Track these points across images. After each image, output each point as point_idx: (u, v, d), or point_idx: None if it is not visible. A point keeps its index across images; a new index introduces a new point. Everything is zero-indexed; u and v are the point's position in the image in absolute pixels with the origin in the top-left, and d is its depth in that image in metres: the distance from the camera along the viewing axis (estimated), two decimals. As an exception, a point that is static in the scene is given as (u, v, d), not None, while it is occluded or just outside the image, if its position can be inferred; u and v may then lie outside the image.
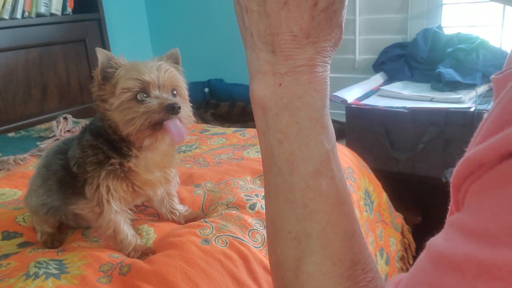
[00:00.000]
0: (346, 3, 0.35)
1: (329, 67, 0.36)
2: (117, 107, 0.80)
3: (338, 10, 0.34)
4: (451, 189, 0.30)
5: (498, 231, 0.22)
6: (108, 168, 0.83)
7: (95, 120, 0.88)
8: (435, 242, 0.26)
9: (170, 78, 0.84)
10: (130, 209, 0.95)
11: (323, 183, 0.35)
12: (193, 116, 0.88)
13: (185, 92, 0.89)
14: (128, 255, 0.87)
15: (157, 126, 0.80)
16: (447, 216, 0.40)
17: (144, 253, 0.86)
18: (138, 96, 0.80)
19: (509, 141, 0.24)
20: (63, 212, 0.94)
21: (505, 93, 0.28)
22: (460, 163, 0.28)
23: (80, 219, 0.96)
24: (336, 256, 0.34)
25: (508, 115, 0.26)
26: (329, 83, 0.36)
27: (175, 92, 0.85)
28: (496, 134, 0.25)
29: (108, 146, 0.84)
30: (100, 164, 0.83)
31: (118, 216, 0.86)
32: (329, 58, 0.36)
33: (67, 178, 0.88)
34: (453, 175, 0.29)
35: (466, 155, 0.28)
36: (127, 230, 0.88)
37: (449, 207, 0.39)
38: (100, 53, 0.82)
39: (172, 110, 0.79)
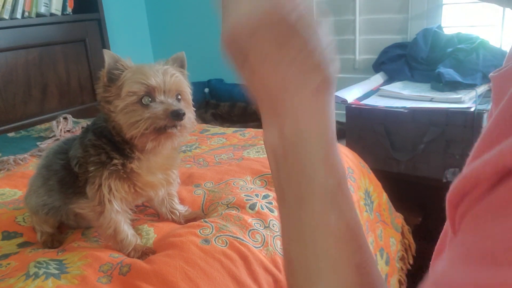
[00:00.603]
0: (325, 40, 0.35)
1: (329, 99, 0.37)
2: (122, 109, 0.80)
3: (311, 52, 0.35)
4: (447, 207, 0.29)
5: (501, 253, 0.22)
6: (111, 168, 0.83)
7: (98, 120, 0.88)
8: (439, 268, 0.26)
9: (176, 83, 0.84)
10: (130, 209, 0.95)
11: (331, 219, 0.36)
12: (195, 121, 0.88)
13: (189, 97, 0.89)
14: (128, 255, 0.87)
15: (161, 130, 0.81)
16: (442, 234, 0.40)
17: (144, 253, 0.86)
18: (143, 100, 0.80)
19: (504, 156, 0.23)
20: (64, 212, 0.94)
21: (502, 105, 0.28)
22: (457, 180, 0.28)
23: (80, 219, 0.96)
24: None
25: (501, 127, 0.26)
26: (332, 116, 0.37)
27: (179, 97, 0.86)
28: (490, 149, 0.25)
29: (111, 147, 0.84)
30: (102, 164, 0.83)
31: (119, 216, 0.86)
32: (326, 92, 0.36)
33: (68, 178, 0.88)
34: (450, 193, 0.28)
35: (463, 172, 0.27)
36: (127, 230, 0.88)
37: (445, 226, 0.39)
38: (107, 55, 0.82)
39: (177, 116, 0.80)
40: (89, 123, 0.95)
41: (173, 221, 1.00)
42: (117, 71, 0.82)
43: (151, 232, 0.93)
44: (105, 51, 0.83)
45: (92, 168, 0.83)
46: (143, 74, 0.81)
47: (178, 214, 0.99)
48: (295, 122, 0.36)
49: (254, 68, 0.36)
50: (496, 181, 0.24)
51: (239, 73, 0.39)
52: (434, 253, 0.41)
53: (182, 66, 0.92)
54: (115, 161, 0.83)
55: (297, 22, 0.34)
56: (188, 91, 0.89)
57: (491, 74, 0.38)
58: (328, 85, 0.36)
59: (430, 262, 0.41)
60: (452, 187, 0.28)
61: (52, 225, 0.97)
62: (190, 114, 0.85)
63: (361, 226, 0.38)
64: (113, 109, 0.82)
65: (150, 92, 0.81)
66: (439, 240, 0.42)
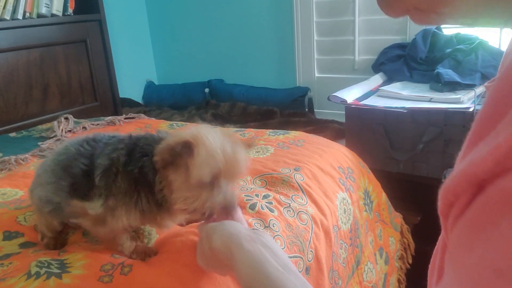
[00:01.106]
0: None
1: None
2: (180, 184, 0.75)
3: None
4: (440, 203, 0.29)
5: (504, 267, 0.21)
6: (134, 203, 0.79)
7: (146, 157, 0.79)
8: None
9: (241, 167, 0.78)
10: None
11: None
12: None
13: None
14: (130, 257, 0.87)
15: (204, 215, 0.78)
16: (439, 243, 0.40)
17: (146, 254, 0.86)
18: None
19: (473, 168, 0.24)
20: (66, 213, 0.91)
21: (483, 107, 0.28)
22: (440, 192, 0.28)
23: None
24: None
25: (472, 136, 0.27)
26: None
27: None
28: (464, 157, 0.25)
29: (150, 196, 0.79)
30: (128, 196, 0.79)
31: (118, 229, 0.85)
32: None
33: (84, 183, 0.83)
34: (439, 204, 0.29)
35: (444, 183, 0.28)
36: (127, 235, 0.88)
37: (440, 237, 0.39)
38: (177, 143, 0.73)
39: (227, 210, 0.76)
40: (93, 124, 0.94)
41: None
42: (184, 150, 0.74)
43: (153, 232, 0.94)
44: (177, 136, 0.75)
45: (118, 194, 0.79)
46: (215, 159, 0.74)
47: None
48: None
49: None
50: (474, 193, 0.24)
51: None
52: (433, 256, 0.42)
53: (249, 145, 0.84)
54: (143, 200, 0.79)
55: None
56: (246, 171, 0.82)
57: (486, 84, 0.39)
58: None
59: (429, 266, 0.41)
60: (439, 200, 0.28)
61: (53, 229, 0.95)
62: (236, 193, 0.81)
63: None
64: (168, 175, 0.76)
65: (214, 179, 0.75)
66: (438, 242, 0.42)
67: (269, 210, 1.01)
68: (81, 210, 0.84)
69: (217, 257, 0.72)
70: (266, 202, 1.03)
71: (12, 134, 1.88)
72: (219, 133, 0.78)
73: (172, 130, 1.68)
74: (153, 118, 2.01)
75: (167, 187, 0.77)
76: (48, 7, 2.06)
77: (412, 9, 0.35)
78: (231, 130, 0.83)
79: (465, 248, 0.24)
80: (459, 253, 0.25)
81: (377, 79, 1.82)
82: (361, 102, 1.58)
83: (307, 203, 1.10)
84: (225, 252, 0.69)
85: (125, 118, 1.88)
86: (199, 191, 0.75)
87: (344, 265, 1.15)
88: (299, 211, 1.06)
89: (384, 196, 1.42)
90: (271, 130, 1.55)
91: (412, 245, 1.48)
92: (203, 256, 0.76)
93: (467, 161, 0.25)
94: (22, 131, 1.91)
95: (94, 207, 0.81)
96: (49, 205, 0.90)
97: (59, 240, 0.96)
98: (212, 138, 0.75)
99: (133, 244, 0.87)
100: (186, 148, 0.72)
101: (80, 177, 0.83)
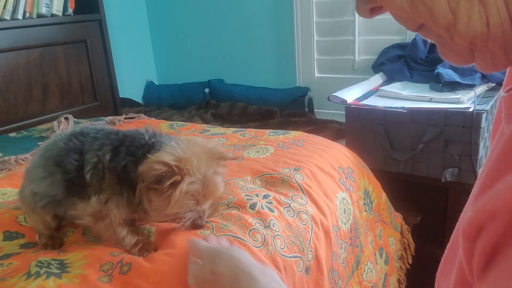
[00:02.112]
0: None
1: None
2: (158, 207, 0.81)
3: None
4: (460, 238, 0.29)
5: None
6: (121, 198, 0.84)
7: (131, 161, 0.82)
8: None
9: (216, 194, 0.87)
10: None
11: None
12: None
13: None
14: (129, 251, 0.87)
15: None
16: (448, 255, 0.40)
17: (145, 249, 0.87)
18: None
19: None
20: (63, 207, 0.92)
21: (504, 138, 0.28)
22: (469, 215, 0.27)
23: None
24: None
25: (504, 164, 0.26)
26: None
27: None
28: (501, 177, 0.25)
29: (133, 191, 0.83)
30: (116, 193, 0.84)
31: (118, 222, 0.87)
32: None
33: (78, 180, 0.86)
34: (465, 226, 0.28)
35: (476, 204, 0.27)
36: (126, 229, 0.88)
37: (447, 249, 0.39)
38: (161, 162, 0.77)
39: (196, 228, 0.87)
40: (96, 125, 0.94)
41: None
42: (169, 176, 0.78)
43: (153, 230, 0.94)
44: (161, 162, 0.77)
45: (107, 189, 0.83)
46: (196, 200, 0.82)
47: None
48: None
49: None
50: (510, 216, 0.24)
51: None
52: (438, 273, 0.41)
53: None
54: (129, 193, 0.84)
55: None
56: (221, 194, 0.92)
57: (501, 95, 0.38)
58: None
59: (438, 275, 0.41)
60: (466, 221, 0.28)
61: (48, 225, 0.95)
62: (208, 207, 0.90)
63: None
64: (150, 196, 0.80)
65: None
66: (444, 259, 0.42)
67: (269, 210, 1.01)
68: (82, 211, 0.86)
69: (218, 283, 0.70)
70: (266, 202, 1.03)
71: (12, 134, 1.88)
72: (205, 160, 0.81)
73: (170, 131, 1.68)
74: (153, 118, 2.01)
75: (145, 200, 0.81)
76: (48, 7, 2.06)
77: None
78: (215, 144, 0.88)
79: None
80: None
81: (377, 79, 1.82)
82: (361, 102, 1.59)
83: (307, 203, 1.10)
84: (231, 280, 0.69)
85: (125, 118, 1.88)
86: (174, 215, 0.83)
87: (344, 265, 1.15)
88: (299, 211, 1.06)
89: (384, 196, 1.42)
90: (271, 130, 1.55)
91: (412, 245, 1.49)
92: (200, 278, 0.74)
93: (505, 185, 0.24)
94: (22, 131, 1.91)
95: (92, 204, 0.84)
96: (44, 199, 0.91)
97: (56, 240, 0.96)
98: (198, 171, 0.79)
99: (133, 238, 0.88)
100: (173, 185, 0.77)
101: (73, 172, 0.86)
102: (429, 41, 0.38)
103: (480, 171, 0.30)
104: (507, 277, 0.25)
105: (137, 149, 0.82)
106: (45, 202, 0.91)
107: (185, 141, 0.84)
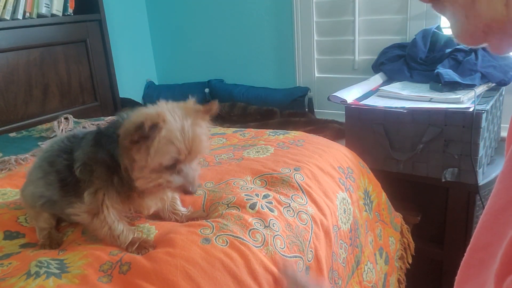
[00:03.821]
0: None
1: None
2: (142, 166, 0.80)
3: None
4: (494, 282, 0.29)
5: None
6: (111, 187, 0.85)
7: (112, 141, 0.84)
8: None
9: (201, 150, 0.84)
10: (129, 209, 0.97)
11: None
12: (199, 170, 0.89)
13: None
14: (126, 249, 0.87)
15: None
16: (464, 268, 0.39)
17: (143, 247, 0.87)
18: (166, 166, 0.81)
19: None
20: (59, 207, 0.95)
21: None
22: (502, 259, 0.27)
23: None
24: None
25: None
26: None
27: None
28: None
29: (117, 167, 0.84)
30: (106, 181, 0.85)
31: (112, 215, 0.88)
32: None
33: (70, 179, 0.89)
34: (499, 265, 0.28)
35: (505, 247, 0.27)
36: (122, 225, 0.89)
37: (469, 252, 0.38)
38: (147, 120, 0.76)
39: (188, 193, 0.84)
40: (93, 124, 0.96)
41: (176, 221, 1.00)
42: (149, 132, 0.78)
43: (152, 229, 0.94)
44: (145, 117, 0.77)
45: (97, 182, 0.85)
46: (175, 146, 0.79)
47: (181, 215, 1.00)
48: None
49: None
50: None
51: None
52: (459, 277, 0.41)
53: (210, 113, 0.87)
54: (117, 179, 0.85)
55: None
56: (208, 151, 0.89)
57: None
58: None
59: (456, 282, 0.40)
60: (501, 259, 0.28)
61: (47, 220, 0.98)
62: (199, 169, 0.87)
63: None
64: (132, 156, 0.80)
65: (175, 163, 0.81)
66: (465, 262, 0.41)
67: (269, 210, 1.01)
68: (78, 208, 0.88)
69: None
70: (266, 202, 1.04)
71: (12, 134, 1.88)
72: (180, 112, 0.81)
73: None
74: (153, 118, 2.00)
75: (129, 166, 0.81)
76: (48, 7, 2.06)
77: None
78: (191, 103, 0.85)
79: None
80: None
81: (377, 79, 1.82)
82: (361, 102, 1.58)
83: (307, 203, 1.10)
84: None
85: (125, 118, 1.88)
86: (159, 174, 0.80)
87: (344, 265, 1.15)
88: (299, 211, 1.06)
89: (384, 196, 1.42)
90: (271, 130, 1.55)
91: (412, 245, 1.49)
92: None
93: None
94: (22, 131, 1.91)
95: (85, 200, 0.86)
96: (41, 199, 0.95)
97: (54, 239, 0.97)
98: (174, 120, 0.79)
99: (129, 235, 0.89)
100: (153, 129, 0.77)
101: (64, 171, 0.90)
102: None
103: (496, 184, 0.30)
104: None
105: (114, 130, 0.84)
106: (43, 202, 0.95)
107: (154, 105, 0.85)
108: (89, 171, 0.85)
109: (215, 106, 0.86)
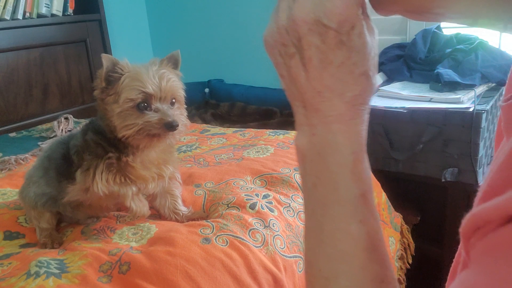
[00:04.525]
0: (371, 52, 0.36)
1: (363, 113, 0.38)
2: (118, 113, 0.84)
3: (359, 61, 0.35)
4: (461, 239, 0.30)
5: None
6: (106, 161, 0.86)
7: (96, 119, 0.92)
8: None
9: (172, 88, 0.87)
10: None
11: (353, 226, 0.36)
12: (188, 121, 0.91)
13: (182, 99, 0.91)
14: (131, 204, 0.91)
15: (154, 135, 0.84)
16: (455, 263, 0.41)
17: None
18: (139, 106, 0.83)
19: (510, 205, 0.25)
20: (60, 203, 0.96)
21: (504, 152, 0.29)
22: (468, 216, 0.29)
23: (77, 211, 0.98)
24: None
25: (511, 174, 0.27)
26: (363, 129, 0.38)
27: (174, 100, 0.88)
28: (502, 192, 0.26)
29: (107, 143, 0.88)
30: (98, 156, 0.87)
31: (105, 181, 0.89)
32: (361, 105, 0.37)
33: (65, 166, 0.92)
34: (463, 226, 0.29)
35: (474, 209, 0.28)
36: (117, 185, 0.90)
37: (458, 252, 0.39)
38: (105, 59, 0.84)
39: (171, 128, 0.83)
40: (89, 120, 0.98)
41: (176, 221, 1.00)
42: (115, 74, 0.84)
43: (153, 227, 0.94)
44: (103, 55, 0.85)
45: (88, 157, 0.87)
46: (140, 81, 0.83)
47: (181, 214, 1.00)
48: (328, 126, 0.37)
49: (304, 62, 0.36)
50: (502, 224, 0.26)
51: (282, 67, 0.39)
52: (448, 279, 0.42)
53: (176, 65, 0.93)
54: (110, 154, 0.87)
55: (355, 28, 0.35)
56: (182, 94, 0.91)
57: (500, 104, 0.38)
58: (366, 96, 0.37)
59: (448, 278, 0.41)
60: (464, 222, 0.29)
61: (48, 220, 0.99)
62: (183, 118, 0.88)
63: (383, 240, 0.38)
64: (109, 110, 0.85)
65: (147, 99, 0.84)
66: (452, 267, 0.42)
67: (269, 210, 1.01)
68: (72, 191, 0.90)
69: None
70: (266, 202, 1.04)
71: (12, 134, 1.88)
72: (145, 64, 0.88)
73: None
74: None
75: (113, 127, 0.85)
76: (48, 7, 2.06)
77: (404, 12, 0.36)
78: (156, 60, 0.91)
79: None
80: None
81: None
82: (361, 102, 1.58)
83: (307, 203, 1.10)
84: None
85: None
86: (137, 117, 0.83)
87: (344, 265, 1.15)
88: (299, 211, 1.06)
89: (383, 196, 1.42)
90: (271, 130, 1.55)
91: (412, 245, 1.49)
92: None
93: (503, 198, 0.26)
94: (22, 131, 1.91)
95: (77, 179, 0.88)
96: (43, 197, 0.96)
97: (55, 239, 0.97)
98: (137, 65, 0.87)
99: (129, 191, 0.90)
100: (115, 69, 0.83)
101: (60, 160, 0.93)
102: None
103: (482, 183, 0.31)
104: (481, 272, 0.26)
105: (100, 115, 0.89)
106: (45, 200, 0.96)
107: None
108: (83, 151, 0.89)
109: (177, 54, 0.93)
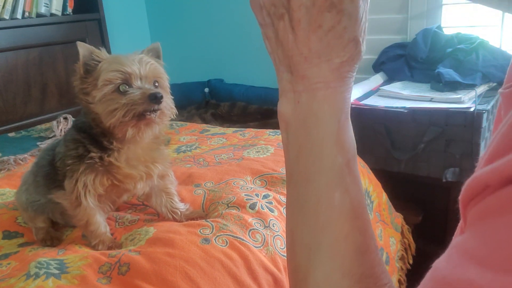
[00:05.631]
0: (363, 18, 0.35)
1: (349, 81, 0.37)
2: (99, 99, 0.81)
3: (349, 26, 0.34)
4: (460, 206, 0.30)
5: (499, 259, 0.22)
6: (87, 162, 0.84)
7: (80, 116, 0.90)
8: (439, 264, 0.27)
9: (152, 69, 0.85)
10: (128, 208, 0.95)
11: (336, 195, 0.35)
12: (175, 108, 0.88)
13: (167, 84, 0.90)
14: (94, 247, 0.90)
15: (140, 116, 0.81)
16: (456, 233, 0.41)
17: (110, 248, 0.89)
18: (120, 88, 0.81)
19: (510, 166, 0.25)
20: (49, 209, 0.96)
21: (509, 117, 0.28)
22: (467, 182, 0.28)
23: (67, 217, 0.97)
24: (345, 269, 0.34)
25: (509, 140, 0.27)
26: (348, 96, 0.37)
27: (157, 84, 0.87)
28: (501, 157, 0.26)
29: (89, 140, 0.85)
30: (79, 158, 0.85)
31: (93, 210, 0.88)
32: (348, 72, 0.36)
33: (52, 173, 0.90)
34: (461, 193, 0.29)
35: (474, 174, 0.28)
36: (99, 222, 0.90)
37: (459, 224, 0.39)
38: (81, 47, 0.83)
39: (155, 99, 0.80)
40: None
41: (174, 220, 1.00)
42: (93, 62, 0.83)
43: (151, 230, 0.94)
44: (78, 43, 0.83)
45: (70, 162, 0.85)
46: (119, 63, 0.82)
47: (179, 213, 0.99)
48: (313, 94, 0.36)
49: (292, 24, 0.35)
50: (500, 187, 0.25)
51: (269, 28, 0.37)
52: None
53: (158, 56, 0.92)
54: (92, 154, 0.84)
55: None
56: (165, 78, 0.89)
57: (500, 90, 0.38)
58: (354, 63, 0.36)
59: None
60: (463, 189, 0.29)
61: (43, 220, 0.99)
62: (168, 100, 0.86)
63: (366, 209, 0.37)
64: (91, 100, 0.83)
65: (127, 80, 0.82)
66: (456, 231, 0.42)
67: (269, 210, 1.01)
68: (60, 196, 0.89)
69: None
70: (266, 202, 1.03)
71: (11, 134, 1.87)
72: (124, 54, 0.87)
73: (170, 131, 1.68)
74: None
75: (98, 119, 0.83)
76: (47, 7, 2.06)
77: None
78: (137, 51, 0.90)
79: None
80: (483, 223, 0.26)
81: (377, 79, 1.81)
82: (361, 102, 1.58)
83: (307, 203, 1.10)
84: None
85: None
86: (119, 99, 0.80)
87: (344, 265, 1.15)
88: (300, 211, 1.06)
89: (384, 196, 1.42)
90: (271, 130, 1.55)
91: (413, 245, 1.48)
92: None
93: (504, 160, 0.25)
94: (21, 131, 1.91)
95: (66, 188, 0.87)
96: (34, 204, 0.97)
97: (52, 234, 0.97)
98: (115, 55, 0.85)
99: (101, 234, 0.90)
100: (94, 56, 0.82)
101: (47, 167, 0.92)
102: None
103: (483, 153, 0.31)
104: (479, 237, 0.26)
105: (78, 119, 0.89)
106: (36, 207, 0.97)
107: None
108: (65, 156, 0.87)
109: (157, 46, 0.92)
